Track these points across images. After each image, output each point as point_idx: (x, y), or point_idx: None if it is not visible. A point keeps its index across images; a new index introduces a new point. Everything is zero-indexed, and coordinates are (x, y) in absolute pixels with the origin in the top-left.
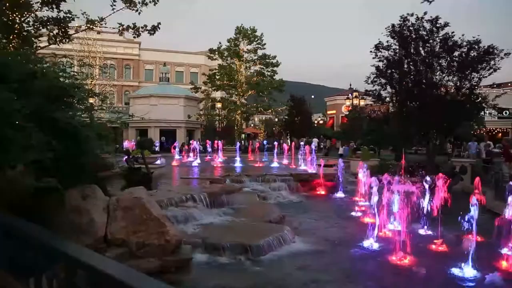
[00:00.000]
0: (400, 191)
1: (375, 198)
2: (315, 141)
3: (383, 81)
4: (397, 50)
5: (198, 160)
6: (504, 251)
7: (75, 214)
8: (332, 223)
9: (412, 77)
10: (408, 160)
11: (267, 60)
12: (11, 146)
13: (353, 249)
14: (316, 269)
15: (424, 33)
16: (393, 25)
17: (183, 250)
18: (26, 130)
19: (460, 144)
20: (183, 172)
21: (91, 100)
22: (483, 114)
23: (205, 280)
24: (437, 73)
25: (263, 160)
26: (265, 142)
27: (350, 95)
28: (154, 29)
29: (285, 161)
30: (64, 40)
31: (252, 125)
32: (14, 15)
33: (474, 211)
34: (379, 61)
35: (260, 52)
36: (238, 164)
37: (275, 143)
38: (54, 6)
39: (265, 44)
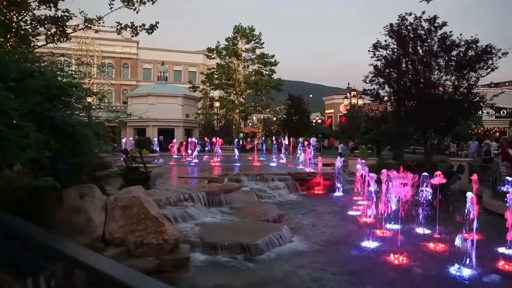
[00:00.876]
0: (398, 183)
1: (373, 196)
2: (313, 140)
3: (381, 80)
4: (395, 50)
5: (196, 160)
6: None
7: (73, 213)
8: (330, 222)
9: (410, 76)
10: (406, 159)
11: (265, 59)
12: (8, 145)
13: (351, 248)
14: (314, 268)
15: (422, 32)
16: (391, 25)
17: (181, 249)
18: (24, 129)
19: (458, 143)
20: (181, 171)
21: (89, 99)
22: (480, 113)
23: (203, 279)
24: (435, 73)
25: (261, 159)
26: (262, 139)
27: (348, 94)
28: (152, 28)
29: (283, 160)
30: (62, 39)
31: (250, 124)
32: (12, 13)
33: (471, 210)
34: (377, 60)
35: (258, 51)
36: (236, 163)
37: (274, 142)
38: (51, 5)
39: (263, 43)
